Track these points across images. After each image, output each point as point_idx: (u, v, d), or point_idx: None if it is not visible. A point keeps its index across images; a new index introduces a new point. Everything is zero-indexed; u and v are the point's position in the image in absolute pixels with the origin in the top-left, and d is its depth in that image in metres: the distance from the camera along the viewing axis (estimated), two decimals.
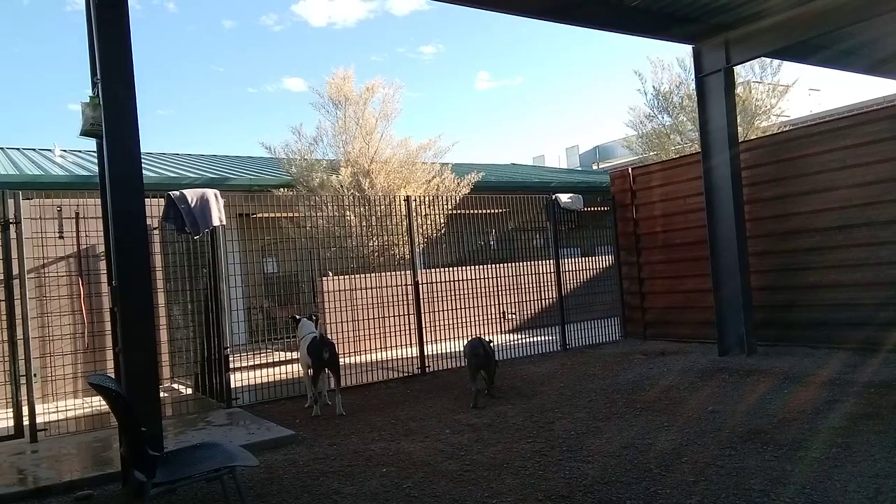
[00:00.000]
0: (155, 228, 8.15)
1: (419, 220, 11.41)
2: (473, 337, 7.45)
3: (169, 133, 59.08)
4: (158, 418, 4.76)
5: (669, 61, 21.32)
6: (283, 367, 8.22)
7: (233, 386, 7.30)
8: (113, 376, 5.05)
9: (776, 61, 14.27)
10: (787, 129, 12.27)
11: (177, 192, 6.79)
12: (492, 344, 7.25)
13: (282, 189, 12.08)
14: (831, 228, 8.09)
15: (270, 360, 9.00)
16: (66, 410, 7.11)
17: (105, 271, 5.45)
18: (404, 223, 9.46)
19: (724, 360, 8.03)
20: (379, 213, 10.65)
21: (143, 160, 15.72)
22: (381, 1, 61.85)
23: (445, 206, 11.87)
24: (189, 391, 8.19)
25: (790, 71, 15.26)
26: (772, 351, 8.28)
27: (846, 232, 7.96)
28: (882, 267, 7.65)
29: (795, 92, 15.51)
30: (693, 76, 8.92)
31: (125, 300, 4.65)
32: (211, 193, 6.86)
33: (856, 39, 8.98)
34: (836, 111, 16.73)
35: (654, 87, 15.56)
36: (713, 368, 7.60)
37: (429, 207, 11.79)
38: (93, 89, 5.02)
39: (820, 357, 7.65)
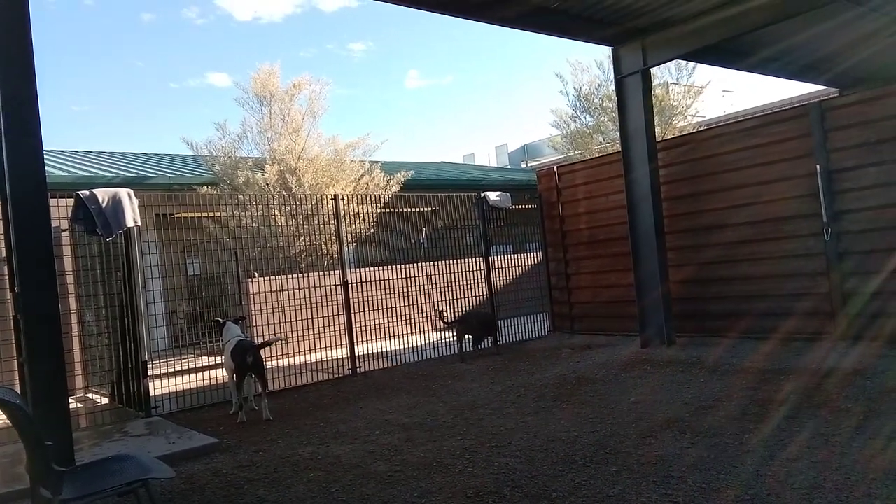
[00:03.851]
0: (64, 230, 7.72)
1: (348, 219, 11.27)
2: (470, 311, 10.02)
3: (84, 130, 56.21)
4: (68, 431, 4.52)
5: (588, 63, 21.88)
6: (207, 373, 7.95)
7: (152, 394, 7.00)
8: (18, 388, 4.76)
9: (691, 64, 14.88)
10: (701, 128, 12.82)
11: (86, 192, 6.44)
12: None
13: (205, 187, 11.70)
14: (742, 224, 8.50)
15: (193, 365, 8.69)
16: None
17: (8, 277, 5.11)
18: (332, 222, 9.32)
19: (645, 352, 8.31)
20: (306, 212, 10.45)
21: (53, 158, 14.75)
22: None
23: (375, 205, 11.79)
24: (105, 401, 7.80)
25: (704, 73, 15.94)
26: (690, 342, 8.63)
27: (755, 227, 8.38)
28: (788, 259, 8.11)
29: (710, 93, 16.24)
30: (612, 77, 9.18)
31: (28, 307, 4.38)
32: (124, 193, 6.54)
33: (778, 46, 9.49)
34: (747, 112, 17.62)
35: (575, 88, 15.96)
36: (635, 360, 7.85)
37: (358, 206, 11.68)
38: None
39: (734, 347, 8.02)
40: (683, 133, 13.58)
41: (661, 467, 4.18)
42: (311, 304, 9.22)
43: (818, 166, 7.71)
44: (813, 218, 7.82)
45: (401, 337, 10.32)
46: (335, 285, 9.18)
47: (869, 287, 7.41)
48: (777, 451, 4.28)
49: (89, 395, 8.25)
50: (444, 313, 9.40)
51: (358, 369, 8.68)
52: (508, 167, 30.17)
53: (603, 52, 15.09)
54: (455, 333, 9.22)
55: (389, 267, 10.85)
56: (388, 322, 10.10)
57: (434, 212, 11.22)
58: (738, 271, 8.58)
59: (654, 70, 10.15)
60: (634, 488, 3.89)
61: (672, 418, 5.25)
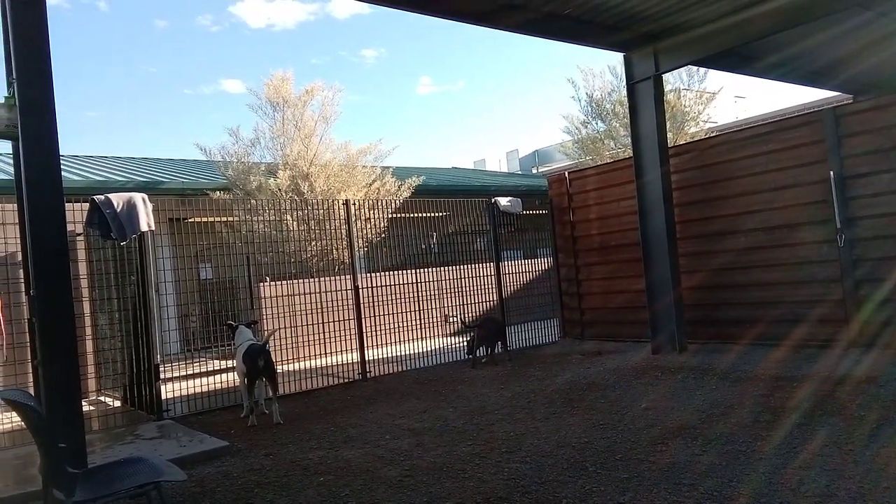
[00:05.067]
0: (79, 234, 7.81)
1: (359, 224, 11.32)
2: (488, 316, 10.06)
3: (98, 136, 56.82)
4: (81, 433, 4.55)
5: (601, 69, 21.92)
6: (218, 377, 7.99)
7: (164, 397, 7.05)
8: (32, 390, 4.81)
9: (702, 70, 14.83)
10: (714, 134, 12.76)
11: (101, 197, 6.51)
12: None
13: (218, 193, 11.78)
14: (756, 230, 8.45)
15: (205, 369, 8.74)
16: None
17: (23, 280, 5.18)
18: (344, 227, 9.36)
19: (656, 359, 8.27)
20: (318, 217, 10.50)
21: (68, 163, 14.92)
22: (322, 3, 61.29)
23: (386, 210, 11.82)
24: (118, 403, 7.86)
25: (716, 79, 15.89)
26: (702, 349, 8.58)
27: (768, 233, 8.33)
28: (801, 266, 8.05)
29: (722, 99, 16.17)
30: (624, 83, 9.17)
31: (44, 310, 4.43)
32: (138, 197, 6.61)
33: (789, 51, 9.44)
34: (760, 117, 17.53)
35: (587, 94, 15.95)
36: (646, 367, 7.81)
37: (369, 211, 11.72)
38: (8, 89, 4.78)
39: (746, 353, 7.96)
40: (695, 139, 13.52)
41: (672, 474, 4.16)
42: (322, 308, 9.25)
43: (832, 172, 7.66)
44: (826, 224, 7.76)
45: (411, 342, 10.33)
46: (346, 290, 9.20)
47: (882, 294, 7.34)
48: (789, 459, 4.24)
49: (102, 398, 8.32)
50: (463, 317, 9.59)
51: (368, 374, 8.69)
52: (519, 173, 30.16)
53: (615, 58, 15.09)
54: (476, 337, 9.11)
55: (400, 272, 10.86)
56: (399, 327, 10.11)
57: (445, 217, 11.24)
58: (750, 277, 8.52)
59: (665, 76, 10.14)
60: (645, 495, 3.87)
61: (683, 425, 5.22)
